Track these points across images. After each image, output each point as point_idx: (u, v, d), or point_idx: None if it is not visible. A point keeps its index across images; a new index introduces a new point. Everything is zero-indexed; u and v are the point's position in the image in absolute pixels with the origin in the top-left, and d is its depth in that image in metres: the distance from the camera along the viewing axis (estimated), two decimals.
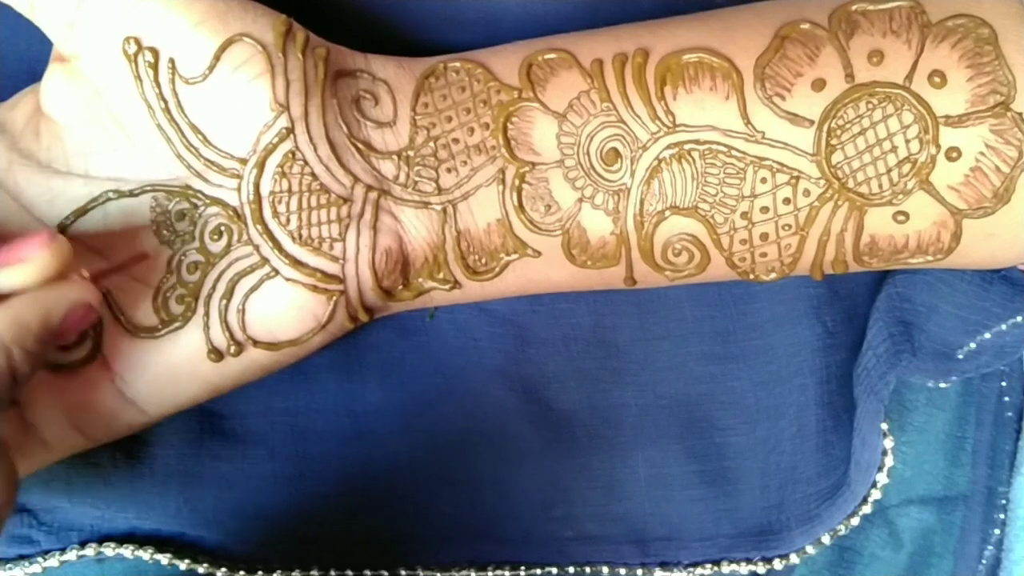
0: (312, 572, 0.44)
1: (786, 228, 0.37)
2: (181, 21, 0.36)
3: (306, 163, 0.37)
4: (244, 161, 0.37)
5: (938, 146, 0.36)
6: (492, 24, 0.41)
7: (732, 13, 0.38)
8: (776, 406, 0.45)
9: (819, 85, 0.36)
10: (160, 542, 0.43)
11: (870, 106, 0.36)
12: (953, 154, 0.36)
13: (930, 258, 0.38)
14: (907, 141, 0.36)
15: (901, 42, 0.36)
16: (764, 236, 0.38)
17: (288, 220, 0.37)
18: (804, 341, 0.45)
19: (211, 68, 0.36)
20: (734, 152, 0.37)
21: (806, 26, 0.36)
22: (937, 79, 0.35)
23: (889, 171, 0.36)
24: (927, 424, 0.47)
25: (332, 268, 0.38)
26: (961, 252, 0.38)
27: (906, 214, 0.37)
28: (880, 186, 0.36)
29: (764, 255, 0.38)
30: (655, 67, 0.37)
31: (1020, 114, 0.35)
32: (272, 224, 0.37)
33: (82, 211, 0.38)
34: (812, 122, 0.36)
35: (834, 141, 0.36)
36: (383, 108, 0.39)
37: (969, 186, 0.36)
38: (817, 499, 0.45)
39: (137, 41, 0.36)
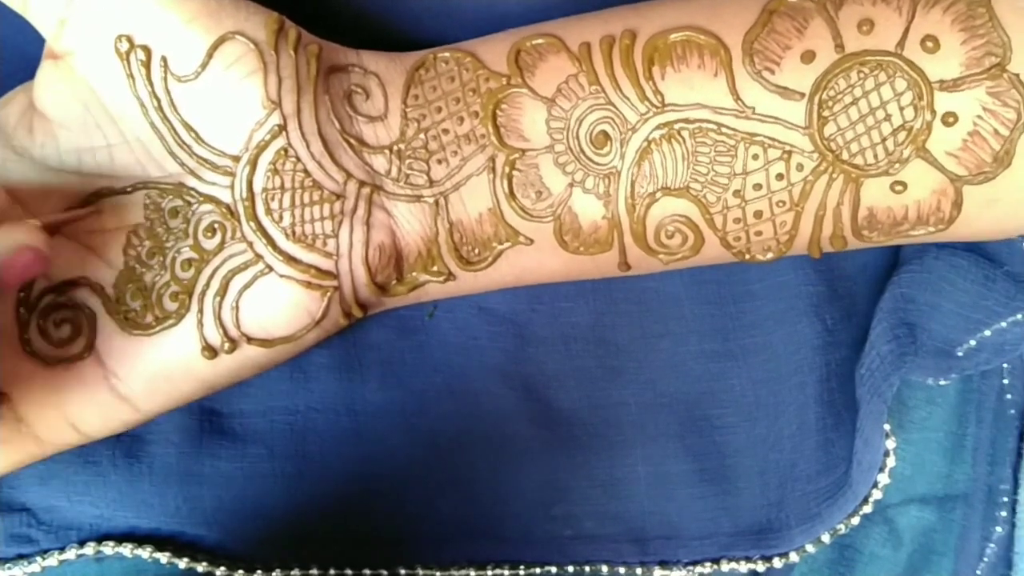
0: (311, 571, 0.43)
1: (780, 204, 0.36)
2: (173, 19, 0.35)
3: (298, 160, 0.36)
4: (237, 158, 0.36)
5: (933, 112, 0.34)
6: (490, 20, 0.40)
7: None
8: (776, 404, 0.44)
9: (808, 57, 0.34)
10: (159, 541, 0.42)
11: (862, 75, 0.34)
12: (950, 119, 0.34)
13: (932, 229, 0.36)
14: (901, 108, 0.34)
15: (891, 9, 0.34)
16: (758, 214, 0.36)
17: (281, 217, 0.36)
18: (803, 339, 0.44)
19: (203, 66, 0.35)
20: (724, 129, 0.35)
21: None
22: (930, 44, 0.34)
23: (884, 140, 0.34)
24: (927, 422, 0.45)
25: (326, 264, 0.37)
26: (963, 221, 0.36)
27: (904, 184, 0.35)
28: (876, 156, 0.35)
29: (759, 233, 0.36)
30: (642, 47, 0.36)
31: (1017, 75, 0.33)
32: (265, 221, 0.36)
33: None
34: (803, 95, 0.34)
35: (826, 113, 0.34)
36: (374, 102, 0.38)
37: (968, 151, 0.34)
38: (817, 498, 0.44)
39: (129, 39, 0.35)
